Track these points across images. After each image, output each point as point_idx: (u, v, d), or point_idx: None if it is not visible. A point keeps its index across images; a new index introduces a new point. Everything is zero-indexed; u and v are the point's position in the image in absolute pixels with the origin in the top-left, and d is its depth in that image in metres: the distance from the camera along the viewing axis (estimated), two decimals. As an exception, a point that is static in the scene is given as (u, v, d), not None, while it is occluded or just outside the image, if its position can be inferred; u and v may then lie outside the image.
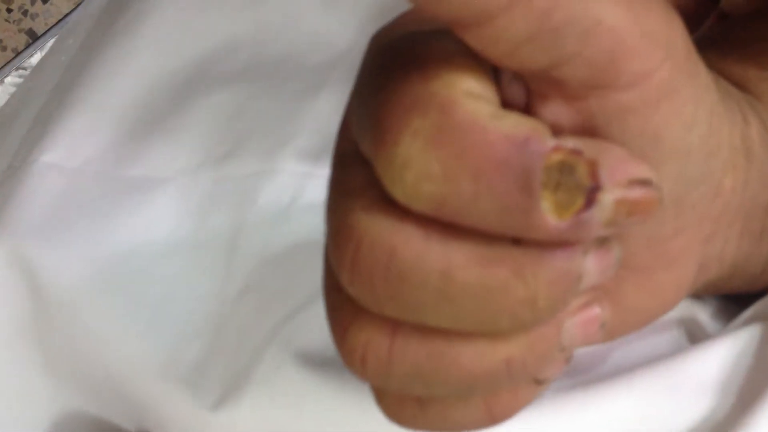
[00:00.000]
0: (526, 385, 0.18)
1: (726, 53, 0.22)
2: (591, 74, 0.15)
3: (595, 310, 0.18)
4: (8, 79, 0.63)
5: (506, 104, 0.17)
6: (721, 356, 0.22)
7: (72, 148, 0.33)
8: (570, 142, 0.15)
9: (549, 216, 0.14)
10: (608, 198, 0.15)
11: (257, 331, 0.27)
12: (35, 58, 0.61)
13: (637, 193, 0.15)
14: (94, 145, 0.33)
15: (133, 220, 0.31)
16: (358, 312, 0.17)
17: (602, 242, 0.17)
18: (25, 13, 0.75)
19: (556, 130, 0.17)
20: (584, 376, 0.24)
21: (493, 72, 0.17)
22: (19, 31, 0.75)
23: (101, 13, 0.39)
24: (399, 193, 0.15)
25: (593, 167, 0.15)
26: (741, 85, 0.21)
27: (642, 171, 0.15)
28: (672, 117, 0.17)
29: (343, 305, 0.17)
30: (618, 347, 0.24)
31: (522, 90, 0.17)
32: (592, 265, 0.16)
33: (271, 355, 0.26)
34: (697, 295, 0.25)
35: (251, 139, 0.31)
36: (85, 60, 0.36)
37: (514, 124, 0.14)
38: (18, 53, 0.73)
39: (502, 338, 0.16)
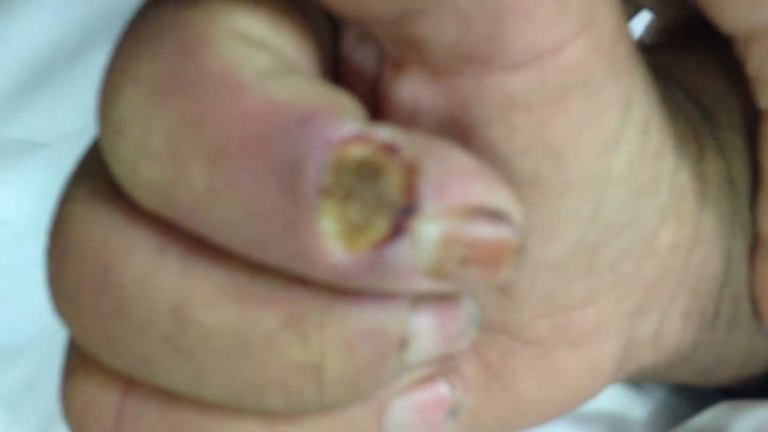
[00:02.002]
0: None
1: (683, 59, 0.17)
2: (463, 37, 0.10)
3: (440, 389, 0.13)
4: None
5: (349, 76, 0.12)
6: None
7: None
8: (384, 132, 0.09)
9: (330, 242, 0.09)
10: (429, 230, 0.09)
11: None
12: None
13: (479, 230, 0.09)
14: None
15: None
16: (82, 358, 0.12)
17: (446, 295, 0.11)
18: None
19: (411, 120, 0.12)
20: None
21: (333, 27, 0.12)
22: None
23: None
24: (117, 174, 0.10)
25: (411, 175, 0.09)
26: (697, 99, 0.16)
27: (492, 195, 0.10)
28: (584, 124, 0.11)
29: (72, 344, 0.13)
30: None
31: (373, 56, 0.12)
32: (425, 328, 0.11)
33: None
34: (640, 383, 0.20)
35: None
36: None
37: (297, 89, 0.09)
38: None
39: (283, 421, 0.11)
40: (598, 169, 0.12)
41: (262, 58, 0.10)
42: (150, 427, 0.11)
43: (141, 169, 0.10)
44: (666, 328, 0.15)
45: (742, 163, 0.16)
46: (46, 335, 0.24)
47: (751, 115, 0.16)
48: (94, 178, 0.11)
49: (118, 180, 0.10)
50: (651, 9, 0.18)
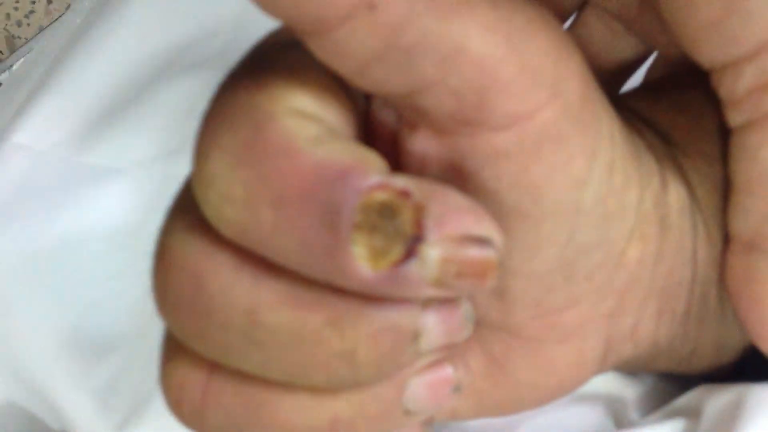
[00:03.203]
0: None
1: (656, 100, 0.19)
2: (458, 108, 0.13)
3: (446, 371, 0.16)
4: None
5: (377, 131, 0.15)
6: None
7: (43, 130, 0.32)
8: (400, 181, 0.13)
9: (360, 263, 0.12)
10: (432, 253, 0.12)
11: None
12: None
13: (469, 252, 0.13)
14: (64, 128, 0.32)
15: (80, 212, 0.30)
16: (178, 347, 0.15)
17: (447, 299, 0.14)
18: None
19: (423, 168, 0.15)
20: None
21: (364, 97, 0.15)
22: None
23: None
24: (207, 214, 0.13)
25: (419, 213, 0.12)
26: (669, 136, 0.18)
27: (479, 227, 0.13)
28: (556, 169, 0.14)
29: (169, 337, 0.16)
30: (532, 416, 0.22)
31: (393, 117, 0.15)
32: (432, 324, 0.14)
33: None
34: (631, 372, 0.22)
35: None
36: (77, 39, 0.35)
37: (336, 151, 0.13)
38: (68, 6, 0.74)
39: (328, 394, 0.15)
40: (570, 203, 0.15)
41: (312, 128, 0.13)
42: (228, 400, 0.15)
43: (224, 212, 0.13)
44: (641, 326, 0.18)
45: (707, 183, 0.18)
46: (130, 338, 0.27)
47: (715, 141, 0.18)
48: (189, 214, 0.14)
49: (207, 218, 0.13)
50: (657, 47, 0.20)
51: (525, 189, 0.14)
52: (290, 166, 0.12)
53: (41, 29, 0.88)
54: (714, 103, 0.17)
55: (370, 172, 0.12)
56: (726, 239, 0.18)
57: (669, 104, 0.19)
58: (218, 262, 0.13)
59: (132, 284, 0.28)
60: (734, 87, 0.16)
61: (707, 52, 0.15)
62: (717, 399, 0.19)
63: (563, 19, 0.21)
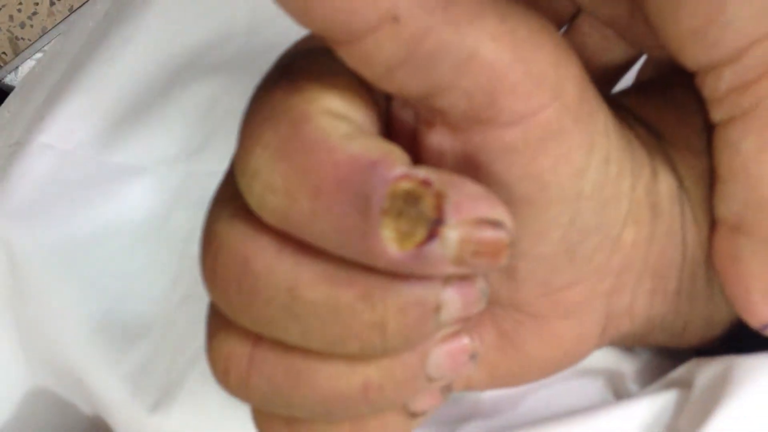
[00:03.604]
0: (397, 415, 0.18)
1: (647, 98, 0.21)
2: (470, 107, 0.15)
3: (464, 341, 0.17)
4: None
5: (398, 128, 0.17)
6: (636, 420, 0.21)
7: (68, 130, 0.33)
8: (422, 172, 0.14)
9: (389, 244, 0.14)
10: (452, 234, 0.14)
11: (193, 341, 0.28)
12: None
13: (484, 234, 0.14)
14: (87, 129, 0.33)
15: (107, 207, 0.31)
16: (224, 322, 0.17)
17: (466, 276, 0.16)
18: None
19: (440, 161, 0.17)
20: (499, 419, 0.23)
21: (386, 97, 0.17)
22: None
23: None
24: (251, 203, 0.15)
25: (440, 200, 0.14)
26: (659, 131, 0.20)
27: (492, 212, 0.14)
28: (559, 161, 0.16)
29: (214, 314, 0.17)
30: (537, 389, 0.23)
31: (412, 116, 0.17)
32: (452, 298, 0.16)
33: (202, 367, 0.27)
34: (627, 347, 0.24)
35: (220, 135, 0.32)
36: (95, 42, 0.36)
37: (365, 146, 0.14)
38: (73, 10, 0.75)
39: (360, 362, 0.16)
40: (571, 190, 0.17)
41: (343, 126, 0.14)
42: (271, 369, 0.16)
43: (267, 201, 0.14)
44: (637, 302, 0.20)
45: (694, 173, 0.19)
46: (158, 325, 0.29)
47: (700, 135, 0.19)
48: (233, 203, 0.16)
49: (251, 206, 0.15)
50: (646, 51, 0.22)
51: (532, 178, 0.16)
52: (325, 159, 0.14)
53: (44, 31, 0.89)
54: (698, 101, 0.18)
55: (396, 164, 0.14)
56: (712, 223, 0.19)
57: (658, 103, 0.21)
58: (262, 246, 0.15)
59: (157, 275, 0.30)
60: (716, 87, 0.17)
61: (691, 56, 0.17)
62: (707, 370, 0.21)
63: (559, 26, 0.22)
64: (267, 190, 0.15)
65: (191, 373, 0.27)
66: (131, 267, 0.30)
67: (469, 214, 0.14)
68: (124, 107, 0.34)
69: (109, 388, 0.29)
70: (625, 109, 0.20)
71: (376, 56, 0.14)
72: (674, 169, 0.19)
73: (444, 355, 0.17)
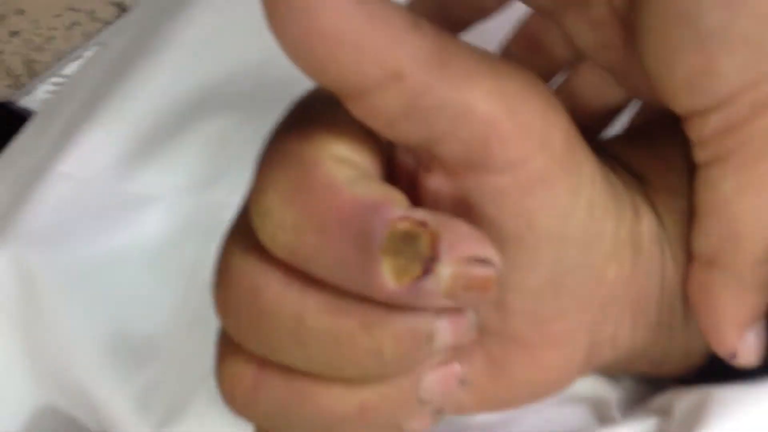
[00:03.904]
0: None
1: (631, 145, 0.22)
2: (466, 155, 0.17)
3: (454, 368, 0.19)
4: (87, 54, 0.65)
5: (400, 171, 0.19)
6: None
7: (86, 160, 0.35)
8: (419, 214, 0.16)
9: (387, 278, 0.15)
10: (445, 270, 0.15)
11: (199, 363, 0.29)
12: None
13: (474, 270, 0.16)
14: (105, 159, 0.35)
15: (121, 234, 0.32)
16: (233, 347, 0.18)
17: (457, 308, 0.17)
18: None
19: (437, 202, 0.18)
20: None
21: (389, 143, 0.18)
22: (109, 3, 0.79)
23: (142, 19, 0.41)
24: (263, 239, 0.16)
25: (434, 239, 0.15)
26: (641, 175, 0.21)
27: (482, 250, 0.16)
28: (546, 205, 0.18)
29: (224, 339, 0.18)
30: (526, 414, 0.25)
31: (413, 160, 0.18)
32: (444, 328, 0.17)
33: (207, 390, 0.28)
34: (612, 376, 0.25)
35: (231, 168, 0.33)
36: (114, 75, 0.38)
37: (368, 189, 0.16)
38: (106, 24, 0.77)
39: (358, 385, 0.18)
40: (558, 231, 0.18)
41: (349, 171, 0.16)
42: (276, 391, 0.17)
43: (278, 237, 0.16)
44: (619, 333, 0.21)
45: (674, 214, 0.21)
46: (166, 347, 0.30)
47: (681, 179, 0.21)
48: (246, 238, 0.17)
49: (262, 242, 0.16)
50: (640, 97, 0.23)
51: (520, 219, 0.18)
52: (332, 201, 0.16)
53: (60, 54, 0.91)
54: (681, 145, 0.20)
55: (396, 206, 0.16)
56: (689, 259, 0.21)
57: (643, 149, 0.22)
58: (272, 278, 0.17)
59: (167, 299, 0.31)
60: (702, 130, 0.18)
61: (683, 103, 0.18)
62: (685, 399, 0.22)
63: (560, 70, 0.24)
64: (278, 228, 0.16)
65: (197, 394, 0.29)
66: (142, 291, 0.31)
67: (461, 252, 0.15)
68: (140, 139, 0.35)
69: (116, 407, 0.30)
70: (611, 155, 0.22)
71: (381, 109, 0.16)
72: (655, 210, 0.21)
73: (435, 380, 0.18)
